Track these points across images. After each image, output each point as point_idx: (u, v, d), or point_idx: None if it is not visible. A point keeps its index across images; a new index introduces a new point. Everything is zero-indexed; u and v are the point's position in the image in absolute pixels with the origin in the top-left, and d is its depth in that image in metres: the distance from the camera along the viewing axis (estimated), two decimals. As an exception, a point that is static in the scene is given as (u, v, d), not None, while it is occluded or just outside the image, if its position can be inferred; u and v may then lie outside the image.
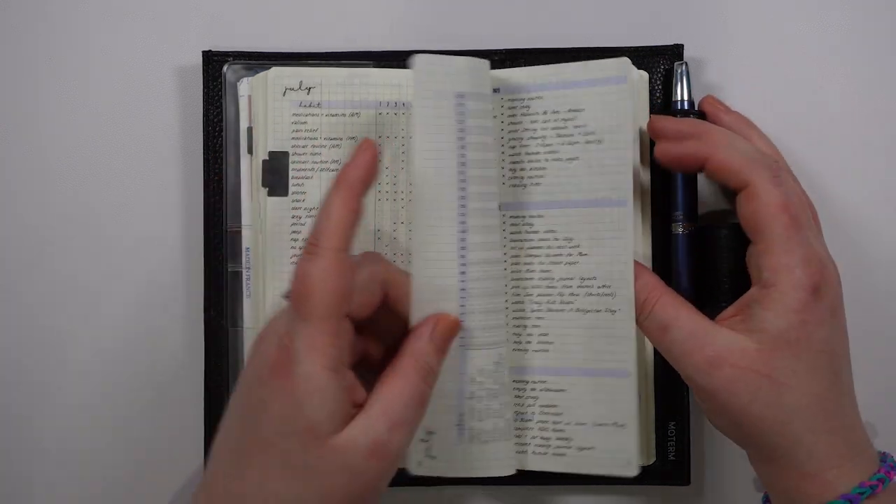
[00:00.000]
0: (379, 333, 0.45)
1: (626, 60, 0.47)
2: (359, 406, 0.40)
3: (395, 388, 0.40)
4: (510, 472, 0.48)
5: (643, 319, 0.45)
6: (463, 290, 0.46)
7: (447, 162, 0.45)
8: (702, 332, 0.43)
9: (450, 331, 0.44)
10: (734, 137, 0.45)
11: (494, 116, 0.49)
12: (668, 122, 0.47)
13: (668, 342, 0.43)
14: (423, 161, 0.45)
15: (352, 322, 0.41)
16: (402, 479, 0.50)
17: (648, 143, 0.49)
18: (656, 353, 0.49)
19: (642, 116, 0.49)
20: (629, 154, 0.47)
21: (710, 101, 0.50)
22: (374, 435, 0.39)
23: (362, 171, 0.41)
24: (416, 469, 0.47)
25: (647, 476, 0.49)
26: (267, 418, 0.38)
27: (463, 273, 0.46)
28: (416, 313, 0.44)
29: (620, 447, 0.48)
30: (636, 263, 0.46)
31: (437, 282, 0.45)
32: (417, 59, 0.45)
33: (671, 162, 0.46)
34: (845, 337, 0.43)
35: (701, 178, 0.50)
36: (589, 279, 0.48)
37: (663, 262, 0.49)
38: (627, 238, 0.47)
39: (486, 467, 0.48)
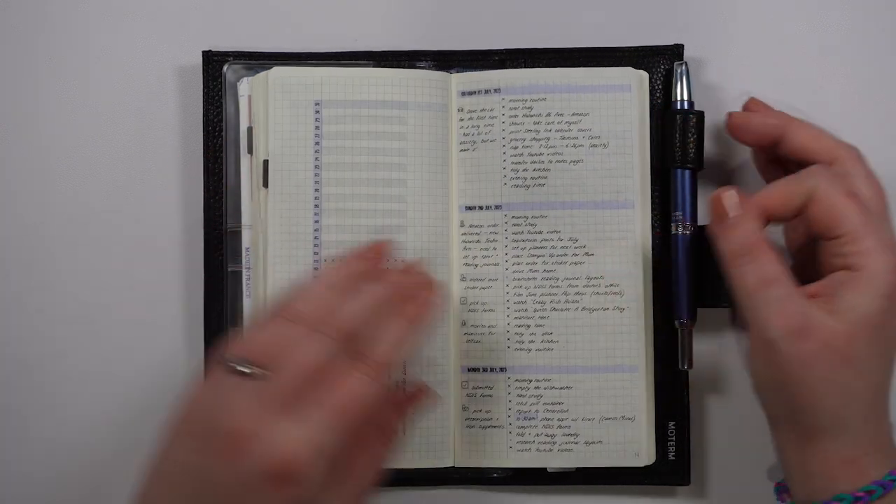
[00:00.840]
0: None
1: (630, 70, 0.49)
2: None
3: None
4: None
5: (743, 264, 0.41)
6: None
7: (300, 165, 0.49)
8: (799, 299, 0.41)
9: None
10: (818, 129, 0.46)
11: (494, 117, 0.50)
12: (754, 118, 0.47)
13: (764, 297, 0.41)
14: (278, 164, 0.49)
15: None
16: (399, 479, 0.50)
17: (648, 144, 0.49)
18: (656, 351, 0.49)
19: (642, 117, 0.49)
20: (636, 159, 0.49)
21: (753, 104, 0.49)
22: None
23: (430, 312, 0.41)
24: None
25: (647, 476, 0.49)
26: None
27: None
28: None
29: (629, 439, 0.49)
30: (739, 196, 0.42)
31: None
32: (273, 73, 0.49)
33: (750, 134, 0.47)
34: None
35: (701, 176, 0.50)
36: (596, 278, 0.49)
37: (663, 262, 0.49)
38: (635, 239, 0.49)
39: None
